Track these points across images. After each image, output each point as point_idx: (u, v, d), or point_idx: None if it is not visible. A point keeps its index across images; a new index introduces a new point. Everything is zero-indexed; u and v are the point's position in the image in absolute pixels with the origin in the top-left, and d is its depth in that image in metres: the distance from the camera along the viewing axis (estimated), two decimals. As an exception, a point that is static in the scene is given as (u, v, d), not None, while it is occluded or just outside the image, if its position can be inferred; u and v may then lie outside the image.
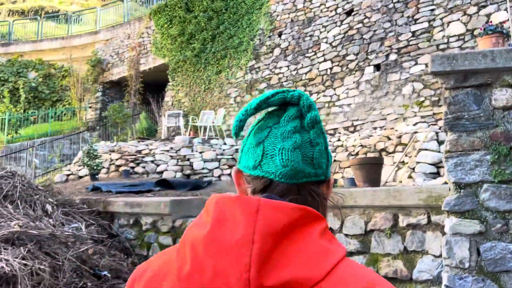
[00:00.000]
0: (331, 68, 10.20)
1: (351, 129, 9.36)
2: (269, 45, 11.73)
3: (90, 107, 16.08)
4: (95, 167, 8.56)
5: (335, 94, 9.95)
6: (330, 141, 8.29)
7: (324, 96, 10.16)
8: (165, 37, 14.34)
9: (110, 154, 9.34)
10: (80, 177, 9.33)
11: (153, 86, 14.86)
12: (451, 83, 2.94)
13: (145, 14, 15.70)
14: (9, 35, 19.43)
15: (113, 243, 4.51)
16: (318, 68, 10.49)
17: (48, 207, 4.58)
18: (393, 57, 9.05)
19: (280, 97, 0.74)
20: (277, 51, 11.53)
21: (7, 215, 4.13)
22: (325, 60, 10.38)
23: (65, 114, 16.82)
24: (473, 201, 2.91)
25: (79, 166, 9.32)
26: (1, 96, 16.27)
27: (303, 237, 0.61)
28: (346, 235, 3.71)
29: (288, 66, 11.18)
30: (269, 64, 11.62)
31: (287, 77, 11.13)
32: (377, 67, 9.31)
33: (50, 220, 4.43)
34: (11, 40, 19.16)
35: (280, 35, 11.60)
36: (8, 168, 4.73)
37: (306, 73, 10.71)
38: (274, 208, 0.62)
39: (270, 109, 0.76)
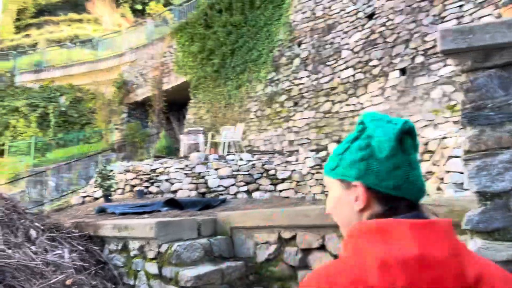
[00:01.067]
0: (353, 76, 9.59)
1: (377, 139, 8.66)
2: (289, 55, 11.28)
3: (116, 129, 16.11)
4: (108, 188, 8.29)
5: (359, 102, 9.31)
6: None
7: (347, 105, 9.54)
8: (186, 55, 14.21)
9: (125, 174, 9.08)
10: (96, 198, 9.10)
11: (175, 105, 14.71)
12: (468, 64, 2.31)
13: (167, 33, 15.70)
14: (41, 62, 20.05)
15: (98, 271, 4.08)
16: (339, 76, 9.91)
17: (32, 233, 4.24)
18: (419, 59, 8.35)
19: (407, 127, 0.87)
20: (297, 61, 11.06)
21: (-18, 243, 3.80)
22: (347, 68, 9.79)
23: (93, 137, 16.97)
24: (504, 216, 2.25)
25: (95, 187, 9.10)
26: (30, 121, 16.63)
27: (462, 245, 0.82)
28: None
29: (308, 76, 10.66)
30: (289, 75, 11.15)
31: (307, 87, 10.60)
32: (403, 71, 8.62)
33: (33, 247, 4.07)
34: (43, 67, 19.74)
35: (299, 44, 11.14)
36: (-7, 192, 4.45)
37: (327, 82, 10.15)
38: (449, 227, 0.81)
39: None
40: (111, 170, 8.90)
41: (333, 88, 9.99)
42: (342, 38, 10.11)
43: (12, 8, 38.28)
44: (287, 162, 8.28)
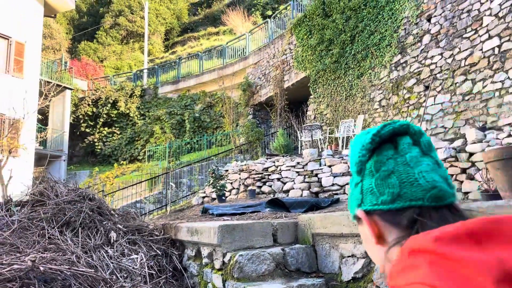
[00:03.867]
0: (499, 46, 7.74)
1: (536, 121, 6.76)
2: (416, 33, 9.76)
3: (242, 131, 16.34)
4: (220, 188, 8.13)
5: (508, 78, 7.44)
6: (498, 138, 6.01)
7: (493, 82, 7.72)
8: (305, 49, 13.59)
9: (239, 174, 8.85)
10: (214, 199, 9.06)
11: (295, 103, 14.20)
12: None
13: (286, 30, 15.32)
14: (177, 72, 21.64)
15: (170, 279, 3.69)
16: (481, 49, 8.11)
17: (113, 235, 4.08)
18: None
19: (390, 129, 0.76)
20: (426, 39, 9.49)
21: (59, 244, 3.74)
22: (490, 37, 7.95)
23: (224, 140, 17.52)
24: None
25: (212, 188, 9.08)
26: (168, 128, 17.92)
27: None
28: None
29: (441, 54, 9.03)
30: (417, 56, 9.64)
31: (440, 67, 8.97)
32: None
33: (110, 250, 3.89)
34: (180, 77, 21.27)
35: (429, 19, 9.55)
36: (82, 191, 4.45)
37: (465, 58, 8.41)
38: None
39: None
40: (226, 170, 8.73)
41: (472, 64, 8.23)
42: (482, 3, 8.28)
43: (161, 30, 42.84)
44: (413, 155, 6.99)
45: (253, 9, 38.40)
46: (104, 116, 20.98)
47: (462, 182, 5.99)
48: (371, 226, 0.74)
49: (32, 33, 16.37)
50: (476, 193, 5.21)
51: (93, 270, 3.45)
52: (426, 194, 0.70)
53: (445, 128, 8.57)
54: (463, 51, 8.50)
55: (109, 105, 20.94)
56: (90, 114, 21.20)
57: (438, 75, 8.99)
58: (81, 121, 21.13)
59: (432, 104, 8.98)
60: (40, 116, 17.26)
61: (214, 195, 9.08)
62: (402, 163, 0.74)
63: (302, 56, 13.73)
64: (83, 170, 18.75)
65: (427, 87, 9.25)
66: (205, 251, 3.48)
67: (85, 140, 21.10)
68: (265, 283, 2.83)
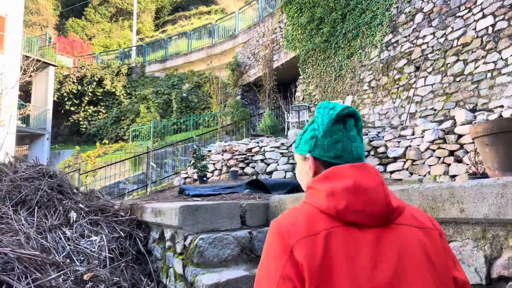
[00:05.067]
0: (493, 25, 7.43)
1: (528, 103, 6.51)
2: (409, 12, 9.41)
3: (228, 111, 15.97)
4: (202, 169, 7.84)
5: (501, 58, 7.16)
6: (488, 120, 5.76)
7: (485, 63, 7.44)
8: (296, 28, 13.17)
9: (222, 155, 8.55)
10: (195, 180, 8.78)
11: (284, 84, 13.84)
12: None
13: (277, 8, 14.85)
14: (165, 51, 21.08)
15: (130, 264, 3.41)
16: (474, 29, 7.80)
17: (73, 215, 3.78)
18: None
19: (347, 111, 1.13)
20: (419, 17, 9.15)
21: (11, 225, 3.43)
22: (484, 16, 7.64)
23: (212, 120, 17.15)
24: None
25: (194, 169, 8.78)
26: (150, 107, 17.48)
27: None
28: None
29: (433, 33, 8.71)
30: (409, 35, 9.31)
31: (432, 47, 8.67)
32: None
33: (68, 232, 3.60)
34: (167, 56, 20.73)
35: (422, -3, 9.19)
36: (42, 168, 4.12)
37: (458, 38, 8.11)
38: (376, 169, 1.09)
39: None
40: (209, 151, 8.42)
41: (465, 44, 7.94)
42: (478, -20, 7.93)
43: (152, 8, 41.83)
44: (400, 136, 6.73)
45: (246, -12, 37.57)
46: (90, 94, 20.45)
47: (449, 165, 5.76)
48: (314, 165, 1.15)
49: (14, 6, 15.72)
50: (464, 176, 4.98)
51: (44, 253, 3.16)
52: (354, 161, 1.11)
53: (435, 110, 8.32)
54: (456, 30, 8.19)
55: (94, 83, 20.39)
56: (75, 92, 20.64)
57: (429, 56, 8.69)
58: (66, 99, 20.59)
59: (422, 86, 8.70)
60: (22, 93, 16.71)
61: (196, 176, 8.79)
62: (346, 138, 1.13)
63: (292, 35, 13.32)
64: (68, 149, 18.32)
65: (418, 68, 8.96)
66: (167, 234, 3.20)
67: (70, 119, 20.59)
68: (228, 270, 2.56)
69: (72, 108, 20.65)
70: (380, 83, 9.81)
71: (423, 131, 6.33)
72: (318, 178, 1.08)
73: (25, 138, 18.64)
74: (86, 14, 39.39)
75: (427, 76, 8.66)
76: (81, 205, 3.93)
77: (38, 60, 17.85)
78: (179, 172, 9.68)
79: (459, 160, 5.51)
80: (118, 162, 10.66)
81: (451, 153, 5.77)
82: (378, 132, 7.13)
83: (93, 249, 3.39)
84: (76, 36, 35.41)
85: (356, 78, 10.54)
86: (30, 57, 15.18)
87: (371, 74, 10.13)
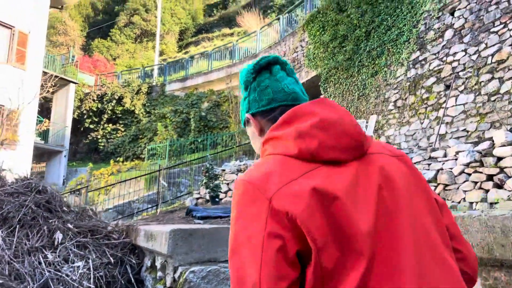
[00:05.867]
0: (533, 40, 6.85)
1: None
2: (438, 28, 8.89)
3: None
4: (214, 189, 7.36)
5: (543, 75, 6.54)
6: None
7: (524, 81, 6.82)
8: (318, 46, 12.79)
9: (237, 174, 8.07)
10: (208, 200, 8.30)
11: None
12: None
13: (298, 27, 14.55)
14: (186, 71, 21.00)
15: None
16: (511, 45, 7.22)
17: (58, 236, 3.33)
18: None
19: (265, 60, 1.08)
20: (448, 34, 8.61)
21: (-14, 245, 3.00)
22: (522, 31, 7.07)
23: (229, 140, 16.76)
24: None
25: (206, 188, 8.31)
26: (171, 126, 17.24)
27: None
28: None
29: (465, 50, 8.15)
30: (438, 52, 8.76)
31: (464, 64, 8.09)
32: None
33: (50, 255, 3.14)
34: (188, 75, 20.63)
35: (452, 12, 8.68)
36: (31, 182, 3.71)
37: (492, 55, 7.52)
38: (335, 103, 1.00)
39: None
40: (223, 170, 7.96)
41: (500, 61, 7.34)
42: (514, -7, 7.40)
43: (175, 30, 42.47)
44: (430, 158, 6.13)
45: (269, 11, 37.73)
46: (109, 112, 20.43)
47: (488, 190, 5.13)
48: (255, 123, 1.07)
49: (37, 23, 15.90)
50: (509, 204, 4.34)
51: (16, 281, 2.70)
52: (288, 97, 1.05)
53: (467, 131, 7.68)
54: (490, 46, 7.62)
55: (114, 101, 20.39)
56: (95, 109, 20.67)
57: (460, 73, 8.11)
58: (85, 117, 20.62)
59: (453, 105, 8.10)
60: (42, 110, 16.77)
61: (208, 196, 8.31)
62: (274, 80, 1.07)
63: (314, 53, 12.93)
64: (85, 167, 18.16)
65: (448, 86, 8.37)
66: (158, 262, 2.71)
67: (89, 136, 20.56)
68: (223, 313, 2.04)
69: (91, 126, 20.65)
70: (406, 102, 9.24)
71: (457, 153, 5.71)
72: (276, 126, 0.96)
73: (43, 155, 18.63)
74: (111, 35, 40.25)
75: (458, 95, 8.07)
76: (69, 225, 3.48)
77: (59, 77, 17.97)
78: (191, 192, 9.24)
79: (500, 185, 4.88)
80: (128, 180, 10.31)
81: (490, 177, 5.14)
82: (406, 154, 6.54)
83: (74, 278, 2.91)
84: (100, 56, 36.07)
85: (381, 98, 10.00)
86: (52, 74, 15.23)
87: (397, 93, 9.58)
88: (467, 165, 5.44)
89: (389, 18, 10.24)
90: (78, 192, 10.72)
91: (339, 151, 0.88)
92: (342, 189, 0.83)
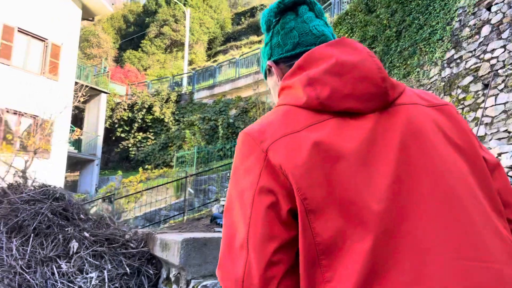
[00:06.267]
0: None
1: None
2: (474, 25, 8.43)
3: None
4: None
5: None
6: None
7: None
8: (346, 49, 12.46)
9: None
10: (235, 208, 8.12)
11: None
12: None
13: (326, 30, 14.28)
14: (214, 79, 21.05)
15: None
16: (556, 38, 6.72)
17: (73, 245, 3.21)
18: None
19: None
20: (485, 30, 8.14)
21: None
22: None
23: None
24: None
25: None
26: (199, 134, 17.25)
27: None
28: None
29: (504, 46, 7.66)
30: (474, 50, 8.29)
31: (503, 61, 7.61)
32: None
33: (64, 265, 3.02)
34: (216, 83, 20.67)
35: (489, 7, 8.21)
36: (49, 189, 3.63)
37: (535, 50, 7.03)
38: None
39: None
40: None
41: (545, 56, 6.84)
42: (558, -17, 6.90)
43: (204, 39, 42.94)
44: (469, 161, 5.72)
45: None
46: (139, 121, 20.70)
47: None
48: (277, 71, 0.94)
49: (69, 35, 16.31)
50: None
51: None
52: (317, 40, 0.91)
53: (509, 132, 7.18)
54: (533, 41, 7.12)
55: (144, 110, 20.66)
56: (126, 119, 21.00)
57: (500, 71, 7.62)
58: (117, 126, 20.97)
59: (492, 105, 7.61)
60: (75, 119, 17.15)
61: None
62: (301, 21, 0.93)
63: (342, 56, 12.62)
64: (120, 175, 18.47)
65: (486, 85, 7.89)
66: (172, 274, 2.53)
67: (120, 145, 20.89)
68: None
69: (122, 135, 20.98)
70: (441, 103, 8.79)
71: (499, 154, 5.30)
72: (288, 73, 0.84)
73: (77, 164, 19.02)
74: (142, 46, 41.10)
75: (497, 94, 7.58)
76: (86, 234, 3.36)
77: (91, 88, 18.36)
78: (218, 199, 9.10)
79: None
80: (154, 187, 10.28)
81: (537, 181, 4.74)
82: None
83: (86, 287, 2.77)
84: (132, 66, 36.86)
85: (414, 99, 9.57)
86: (83, 85, 15.55)
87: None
88: (511, 167, 5.02)
89: (420, 17, 9.83)
90: (108, 200, 10.79)
91: (354, 100, 0.75)
92: (351, 147, 0.71)
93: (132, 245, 3.45)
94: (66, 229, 3.37)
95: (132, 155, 20.53)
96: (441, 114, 0.82)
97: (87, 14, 17.73)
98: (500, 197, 0.79)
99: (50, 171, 14.19)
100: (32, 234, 3.18)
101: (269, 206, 0.70)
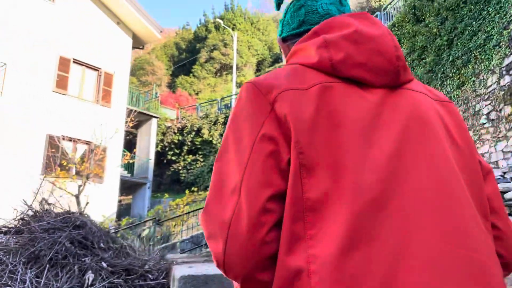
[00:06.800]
0: None
1: None
2: (535, 26, 7.67)
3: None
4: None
5: None
6: None
7: None
8: (394, 61, 11.90)
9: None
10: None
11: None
12: None
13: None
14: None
15: None
16: None
17: (89, 276, 3.05)
18: None
19: None
20: (549, 31, 7.37)
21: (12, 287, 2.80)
22: None
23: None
24: None
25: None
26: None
27: None
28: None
29: None
30: (538, 53, 7.52)
31: None
32: None
33: (77, 299, 2.85)
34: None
35: (552, 6, 7.44)
36: (70, 216, 3.53)
37: None
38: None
39: None
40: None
41: None
42: None
43: (253, 61, 43.50)
44: (537, 178, 5.04)
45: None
46: (189, 143, 21.02)
47: None
48: (284, 48, 0.97)
49: (121, 63, 16.99)
50: None
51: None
52: (321, 19, 0.91)
53: None
54: None
55: (193, 133, 20.96)
56: (176, 142, 21.41)
57: None
58: (167, 149, 21.41)
59: (562, 114, 6.79)
60: (128, 144, 17.72)
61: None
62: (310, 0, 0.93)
63: (390, 69, 12.06)
64: (168, 197, 18.73)
65: (554, 92, 7.07)
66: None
67: (171, 168, 21.27)
68: None
69: (173, 158, 21.37)
70: (502, 114, 8.01)
71: None
72: (304, 38, 0.83)
73: (130, 187, 19.55)
74: (193, 71, 42.32)
75: None
76: (103, 264, 3.20)
77: (142, 113, 18.94)
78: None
79: None
80: (196, 210, 10.17)
81: None
82: (504, 173, 5.50)
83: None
84: (183, 91, 37.98)
85: (470, 111, 8.82)
86: (135, 110, 16.03)
87: (489, 104, 8.37)
88: None
89: (473, 23, 9.15)
90: (154, 223, 10.83)
91: (366, 70, 0.75)
92: (355, 116, 0.71)
93: (151, 276, 3.24)
94: (84, 259, 3.23)
95: (183, 178, 20.80)
96: (445, 109, 0.83)
97: (137, 43, 18.44)
98: (488, 202, 0.79)
99: (104, 195, 14.63)
100: (47, 265, 3.07)
101: (270, 154, 0.69)
